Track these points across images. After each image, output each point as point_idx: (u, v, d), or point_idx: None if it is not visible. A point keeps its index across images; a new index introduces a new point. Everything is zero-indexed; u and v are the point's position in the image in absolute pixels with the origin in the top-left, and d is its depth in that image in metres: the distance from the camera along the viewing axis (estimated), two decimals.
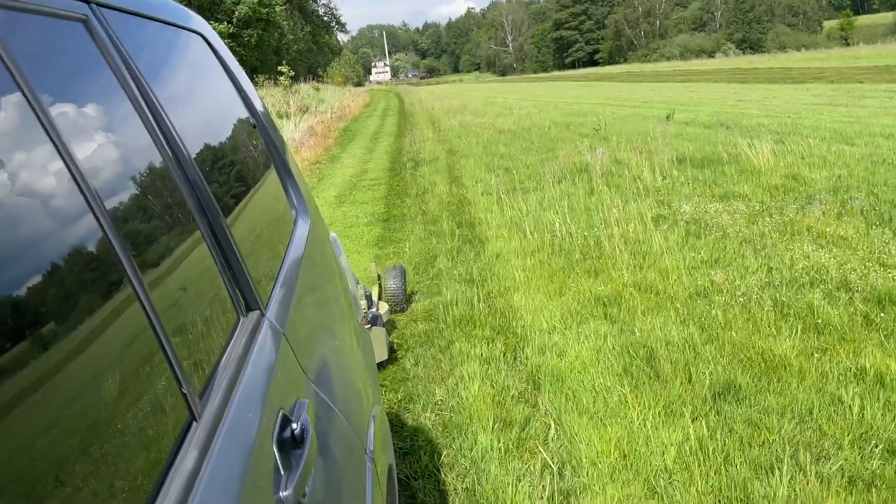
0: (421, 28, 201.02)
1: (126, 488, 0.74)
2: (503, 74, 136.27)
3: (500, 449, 2.94)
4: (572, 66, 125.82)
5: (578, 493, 2.63)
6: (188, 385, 0.91)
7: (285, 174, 2.03)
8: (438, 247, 6.49)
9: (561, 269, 5.21)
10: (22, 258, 0.70)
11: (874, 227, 5.46)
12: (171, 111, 1.23)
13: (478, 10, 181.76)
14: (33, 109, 0.80)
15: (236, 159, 1.72)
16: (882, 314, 3.82)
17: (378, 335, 3.83)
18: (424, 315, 4.78)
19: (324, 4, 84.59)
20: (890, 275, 4.40)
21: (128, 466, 0.76)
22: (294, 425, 1.08)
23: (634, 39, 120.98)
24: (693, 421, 2.97)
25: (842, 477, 2.57)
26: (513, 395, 3.43)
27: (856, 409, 2.95)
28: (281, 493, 0.97)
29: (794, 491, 2.51)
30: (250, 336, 1.19)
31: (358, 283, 3.79)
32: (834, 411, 2.97)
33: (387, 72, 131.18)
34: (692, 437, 2.85)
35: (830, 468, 2.61)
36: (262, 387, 1.11)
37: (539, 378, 3.55)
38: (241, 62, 45.36)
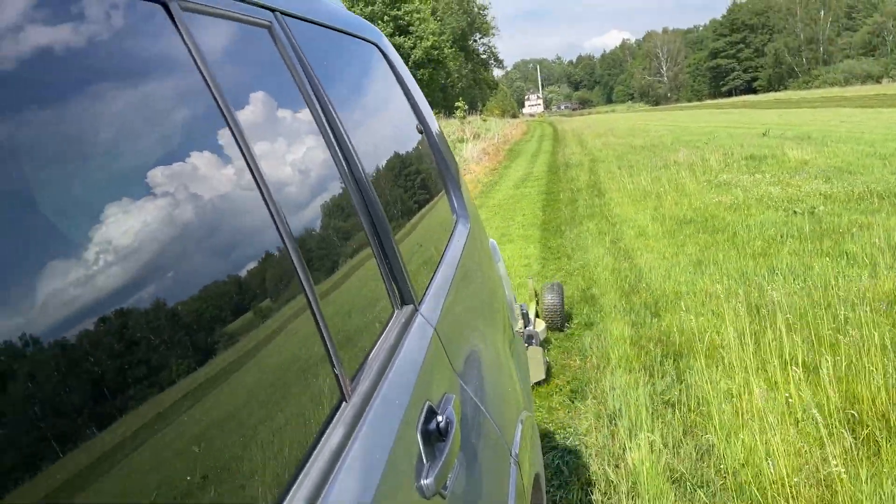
0: (574, 61, 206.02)
1: (278, 457, 0.80)
2: (656, 104, 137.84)
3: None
4: (728, 94, 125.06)
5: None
6: (340, 367, 0.96)
7: (449, 181, 2.11)
8: (579, 196, 11.80)
9: (636, 200, 10.32)
10: (203, 250, 0.78)
11: (819, 180, 10.08)
12: (343, 115, 1.32)
13: (633, 40, 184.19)
14: (220, 109, 0.87)
15: (403, 165, 1.81)
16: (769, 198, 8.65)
17: (534, 354, 3.88)
18: (581, 214, 10.11)
19: (483, 43, 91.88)
20: (784, 192, 9.17)
21: (280, 437, 0.82)
22: (439, 417, 1.11)
23: (795, 66, 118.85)
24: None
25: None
26: (606, 235, 8.65)
27: None
28: (422, 481, 0.99)
29: None
30: (403, 328, 1.25)
31: (514, 300, 4.12)
32: None
33: (539, 104, 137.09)
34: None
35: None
36: (410, 376, 1.15)
37: (619, 226, 8.72)
38: None
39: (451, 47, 65.37)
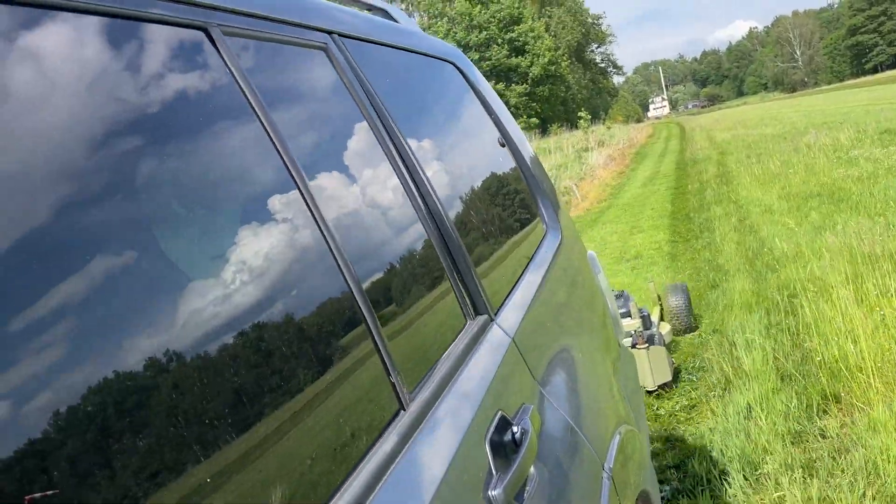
0: (698, 57, 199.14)
1: (332, 462, 0.82)
2: (793, 91, 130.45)
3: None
4: (873, 71, 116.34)
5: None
6: (397, 376, 0.97)
7: (538, 193, 2.10)
8: (707, 186, 12.29)
9: (763, 184, 10.71)
10: (266, 278, 0.82)
11: None
12: (412, 133, 1.36)
13: (760, 28, 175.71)
14: (272, 133, 0.90)
15: (482, 180, 1.82)
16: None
17: (657, 355, 3.84)
18: (709, 201, 10.67)
19: (601, 52, 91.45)
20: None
21: (333, 446, 0.84)
22: (514, 428, 1.10)
23: None
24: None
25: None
26: (732, 216, 9.19)
27: None
28: (490, 492, 0.98)
29: None
30: (474, 338, 1.24)
31: (630, 300, 4.18)
32: None
33: (664, 106, 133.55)
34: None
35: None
36: (480, 387, 1.14)
37: (746, 207, 9.24)
38: (536, 115, 52.62)
39: (568, 60, 65.79)
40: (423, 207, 1.28)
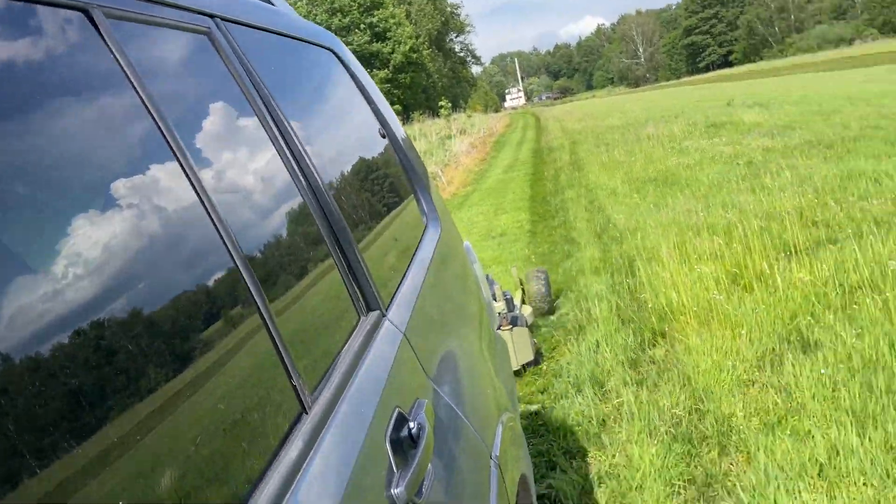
0: (552, 50, 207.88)
1: (234, 472, 0.78)
2: (636, 86, 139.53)
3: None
4: (706, 69, 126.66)
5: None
6: (298, 378, 0.93)
7: (416, 185, 2.06)
8: (561, 172, 13.46)
9: (609, 170, 11.98)
10: (149, 266, 0.76)
11: (766, 138, 11.73)
12: (296, 122, 1.30)
13: (607, 25, 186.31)
14: (156, 119, 0.84)
15: (365, 170, 1.77)
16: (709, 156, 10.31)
17: (521, 336, 4.03)
18: (563, 186, 11.75)
19: (460, 42, 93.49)
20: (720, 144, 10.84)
21: (236, 452, 0.80)
22: (410, 424, 1.09)
23: (769, 36, 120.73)
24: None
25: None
26: (583, 198, 10.30)
27: None
28: (392, 490, 0.98)
29: None
30: (368, 335, 1.22)
31: (494, 284, 4.21)
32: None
33: (520, 96, 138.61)
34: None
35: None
36: (377, 384, 1.13)
37: (595, 191, 10.37)
38: (398, 101, 53.14)
39: (429, 48, 66.94)
40: (312, 201, 1.25)
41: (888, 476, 2.45)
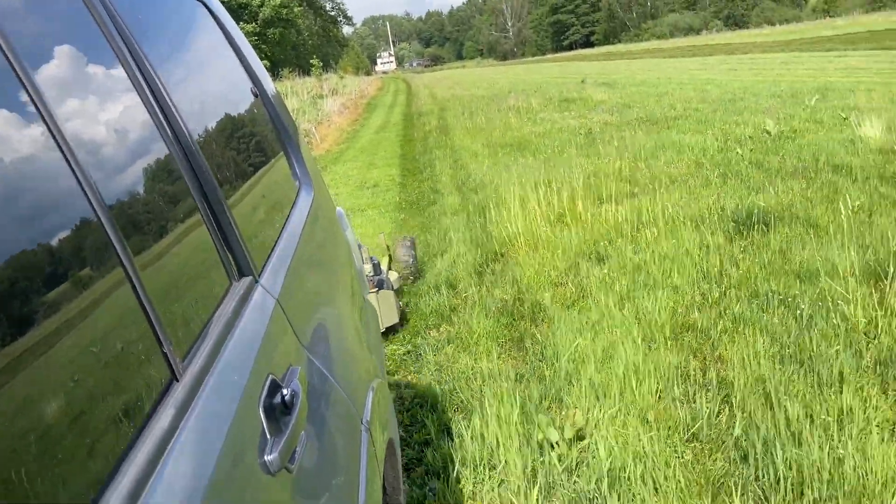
0: (424, 17, 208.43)
1: (100, 443, 0.74)
2: (504, 59, 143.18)
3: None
4: (569, 48, 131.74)
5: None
6: (169, 345, 0.91)
7: (290, 147, 2.02)
8: (430, 135, 14.66)
9: (473, 135, 13.31)
10: (4, 224, 0.69)
11: (607, 114, 13.47)
12: (162, 73, 1.21)
13: None
14: (10, 59, 0.78)
15: (234, 128, 1.70)
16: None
17: (386, 298, 4.15)
18: (431, 147, 12.92)
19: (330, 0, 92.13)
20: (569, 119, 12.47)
21: (102, 423, 0.76)
22: (284, 391, 1.09)
23: (627, 21, 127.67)
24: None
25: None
26: (448, 158, 11.53)
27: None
28: (266, 457, 0.98)
29: None
30: (241, 301, 1.19)
31: (361, 247, 3.99)
32: None
33: (392, 61, 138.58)
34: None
35: None
36: (250, 351, 1.12)
37: (459, 152, 11.62)
38: (267, 58, 51.88)
39: (300, 5, 65.79)
40: (184, 162, 1.18)
41: (631, 323, 3.80)
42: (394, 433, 2.02)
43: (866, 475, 2.40)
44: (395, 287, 4.53)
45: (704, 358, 3.45)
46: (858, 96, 11.46)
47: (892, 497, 2.33)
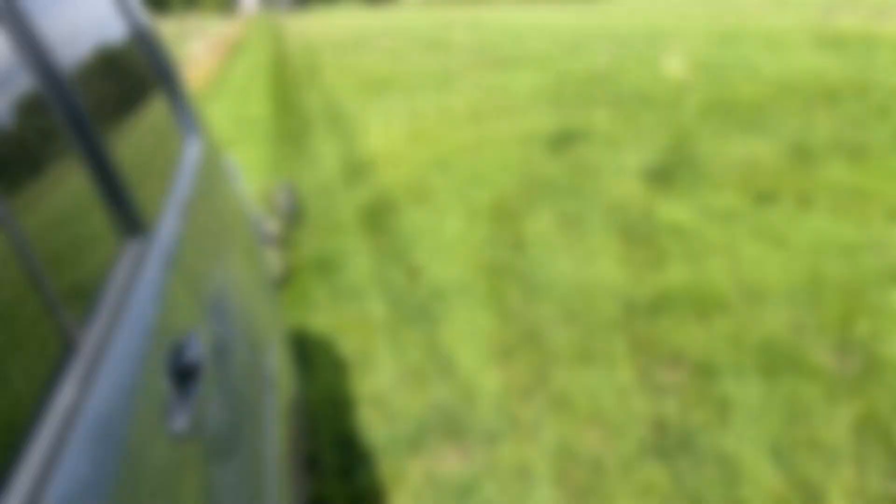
0: None
1: (4, 426, 0.67)
2: (377, 3, 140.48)
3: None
4: None
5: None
6: (63, 313, 0.83)
7: (173, 93, 1.90)
8: (300, 74, 15.39)
9: (343, 72, 14.16)
10: None
11: (466, 55, 14.68)
12: (45, 29, 1.09)
13: None
14: None
15: (112, 74, 1.56)
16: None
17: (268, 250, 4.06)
18: (303, 82, 13.68)
19: None
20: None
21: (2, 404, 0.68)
22: (187, 354, 1.05)
23: None
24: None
25: None
26: (319, 93, 12.39)
27: None
28: (174, 424, 0.95)
29: None
30: (136, 261, 1.12)
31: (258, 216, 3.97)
32: None
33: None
34: None
35: None
36: (150, 314, 1.06)
37: (329, 88, 12.50)
38: None
39: None
40: (65, 115, 1.05)
41: (460, 209, 5.06)
42: (297, 390, 2.03)
43: None
44: (275, 233, 4.36)
45: (512, 228, 4.80)
46: (678, 41, 13.32)
47: None
